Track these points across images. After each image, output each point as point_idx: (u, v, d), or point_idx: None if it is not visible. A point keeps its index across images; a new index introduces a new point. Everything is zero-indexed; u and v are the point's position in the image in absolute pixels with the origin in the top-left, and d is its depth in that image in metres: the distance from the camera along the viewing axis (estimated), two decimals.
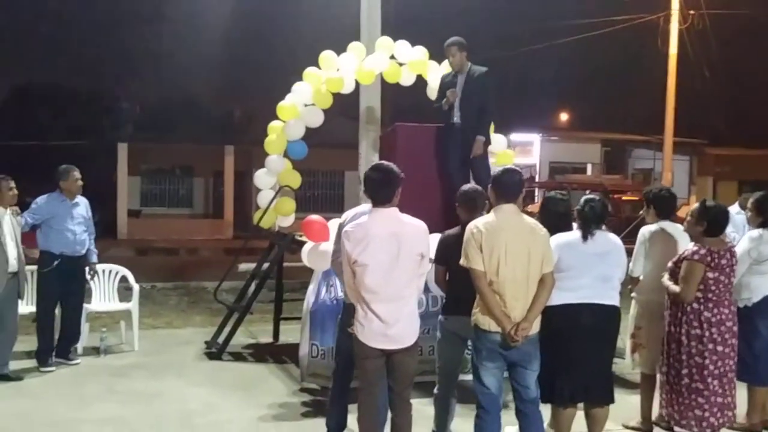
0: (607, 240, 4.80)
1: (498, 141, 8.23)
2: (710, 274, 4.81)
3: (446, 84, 7.14)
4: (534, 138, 28.01)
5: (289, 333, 8.05)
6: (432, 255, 4.66)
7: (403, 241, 4.23)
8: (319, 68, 7.88)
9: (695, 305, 4.86)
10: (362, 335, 4.27)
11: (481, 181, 5.80)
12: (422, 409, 5.06)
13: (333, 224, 5.91)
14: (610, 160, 29.63)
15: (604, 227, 4.86)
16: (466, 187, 5.04)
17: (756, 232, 5.33)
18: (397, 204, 4.33)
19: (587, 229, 4.72)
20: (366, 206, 4.84)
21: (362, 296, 4.24)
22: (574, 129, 33.74)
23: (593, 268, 4.66)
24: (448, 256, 4.62)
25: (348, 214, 4.85)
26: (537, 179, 25.69)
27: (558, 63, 31.77)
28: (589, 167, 28.67)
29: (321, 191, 27.27)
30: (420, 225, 4.36)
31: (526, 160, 26.82)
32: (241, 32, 29.26)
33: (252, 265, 8.31)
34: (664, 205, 5.37)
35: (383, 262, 4.18)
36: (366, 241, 4.19)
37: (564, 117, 37.58)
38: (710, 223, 4.91)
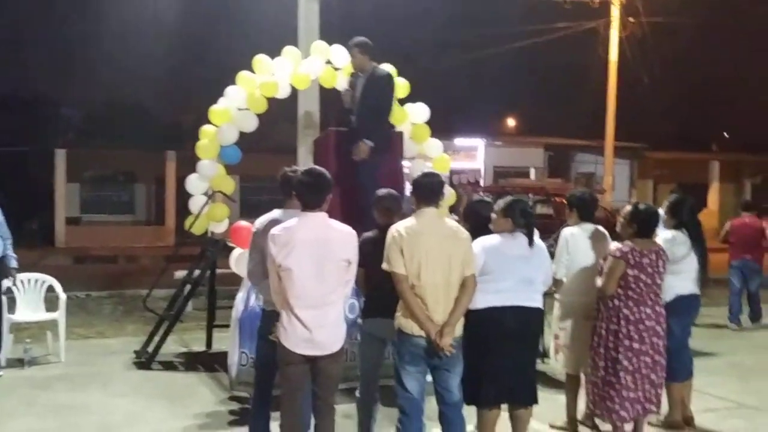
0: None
1: (435, 146, 8.26)
2: (630, 272, 4.95)
3: (349, 83, 7.11)
4: (478, 143, 28.22)
5: (223, 341, 7.88)
6: None
7: (330, 246, 4.18)
8: (253, 72, 7.79)
9: (616, 302, 5.00)
10: (286, 341, 4.19)
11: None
12: (350, 414, 5.03)
13: None
14: (553, 164, 30.05)
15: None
16: (382, 192, 5.02)
17: (669, 233, 5.48)
18: (326, 209, 4.27)
19: (532, 232, 4.71)
20: (277, 212, 4.76)
21: (287, 301, 4.17)
22: (518, 134, 34.18)
23: (517, 271, 4.68)
24: (362, 259, 4.61)
25: (261, 221, 4.75)
26: (482, 183, 25.90)
27: (502, 69, 32.11)
28: (532, 171, 29.03)
29: (267, 197, 27.02)
30: (348, 231, 4.30)
31: (470, 165, 27.06)
32: (185, 38, 28.83)
33: None
34: (587, 208, 5.47)
35: (308, 268, 4.12)
36: (291, 245, 4.13)
37: (508, 122, 38.05)
38: (640, 225, 5.09)
